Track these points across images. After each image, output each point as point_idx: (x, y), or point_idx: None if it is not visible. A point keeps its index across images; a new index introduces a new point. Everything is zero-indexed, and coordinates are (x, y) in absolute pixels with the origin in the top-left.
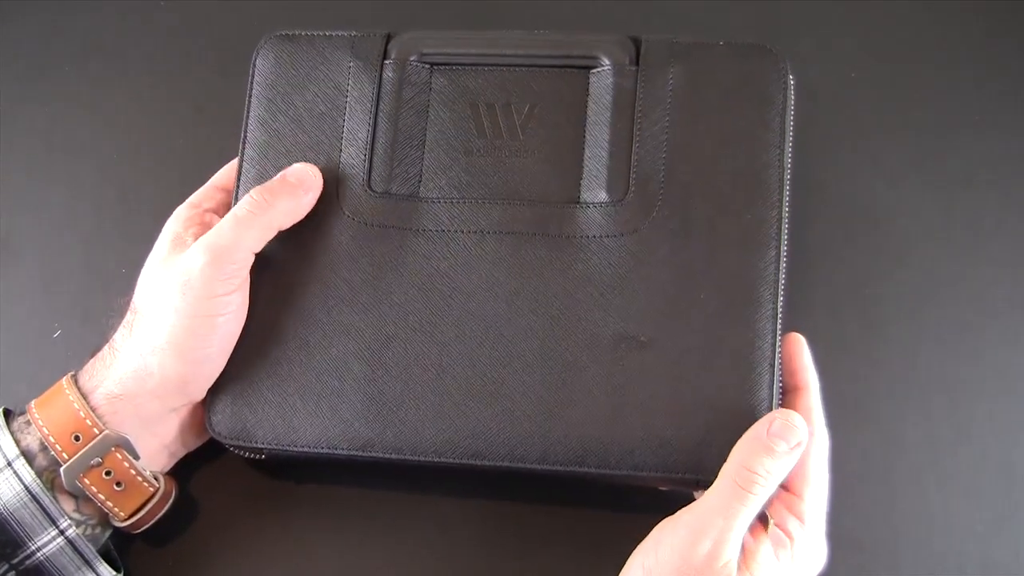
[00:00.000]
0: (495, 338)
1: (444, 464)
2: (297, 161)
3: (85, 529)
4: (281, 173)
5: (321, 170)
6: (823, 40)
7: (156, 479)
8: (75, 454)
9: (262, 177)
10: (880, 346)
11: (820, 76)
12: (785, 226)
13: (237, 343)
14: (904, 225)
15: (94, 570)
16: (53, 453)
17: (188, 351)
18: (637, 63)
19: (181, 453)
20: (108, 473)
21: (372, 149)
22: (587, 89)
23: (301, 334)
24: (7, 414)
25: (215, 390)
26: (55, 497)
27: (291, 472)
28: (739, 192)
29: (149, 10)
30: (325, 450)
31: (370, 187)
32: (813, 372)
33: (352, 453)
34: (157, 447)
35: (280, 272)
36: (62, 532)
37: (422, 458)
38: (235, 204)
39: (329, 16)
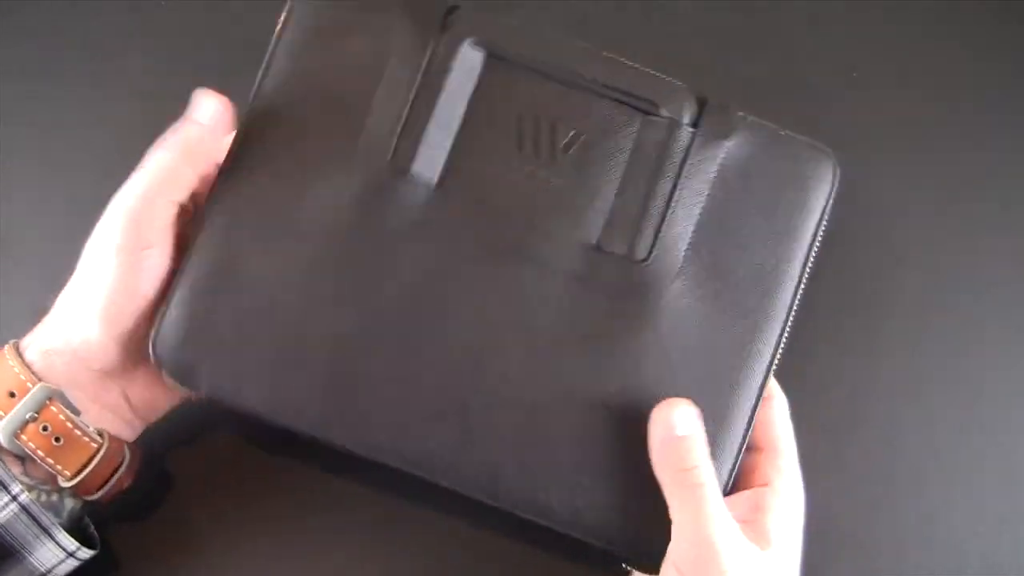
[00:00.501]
0: (471, 360)
1: (386, 465)
2: (320, 109)
3: (39, 495)
4: (189, 113)
5: (343, 126)
6: (824, 40)
7: (100, 435)
8: (10, 410)
9: (276, 113)
10: (880, 346)
11: (821, 76)
12: (787, 333)
13: (207, 277)
14: (907, 225)
15: (53, 539)
16: None
17: (98, 311)
18: (695, 125)
19: (138, 423)
20: (45, 428)
21: (405, 123)
22: (638, 136)
23: (279, 296)
24: None
25: (168, 320)
26: (2, 460)
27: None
28: (755, 290)
29: (149, 10)
30: (266, 416)
31: (392, 159)
32: (788, 435)
33: (294, 427)
34: (98, 409)
35: (274, 218)
36: (14, 497)
37: (367, 455)
38: (246, 119)
39: None
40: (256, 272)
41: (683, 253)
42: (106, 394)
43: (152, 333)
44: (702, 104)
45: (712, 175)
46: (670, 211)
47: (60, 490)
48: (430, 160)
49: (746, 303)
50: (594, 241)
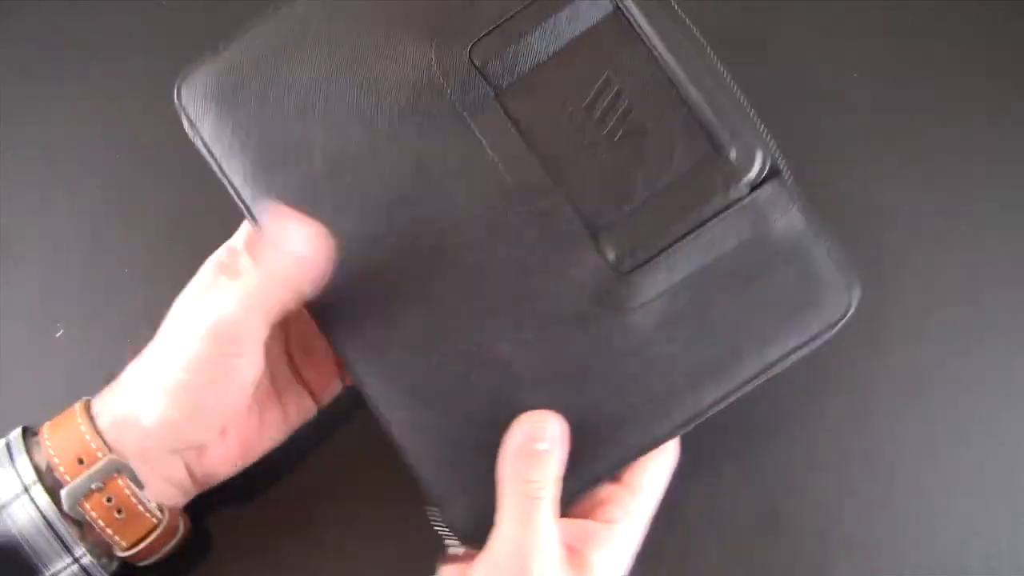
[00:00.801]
0: (437, 275)
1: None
2: None
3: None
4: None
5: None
6: (825, 40)
7: (160, 510)
8: (77, 477)
9: None
10: (882, 346)
11: (821, 76)
12: (701, 422)
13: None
14: (905, 225)
15: None
16: (57, 475)
17: (182, 401)
18: (753, 188)
19: (194, 492)
20: (109, 499)
21: (506, 21)
22: (695, 165)
23: (319, 132)
24: (24, 432)
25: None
26: (63, 522)
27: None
28: (698, 369)
29: (150, 10)
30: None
31: (471, 44)
32: (657, 482)
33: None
34: (160, 483)
35: (327, 50)
36: (76, 560)
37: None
38: None
39: None
40: (298, 78)
41: (662, 289)
42: (172, 469)
43: (456, 531)
44: (774, 172)
45: (735, 241)
46: (676, 246)
47: (111, 555)
48: (511, 65)
49: (682, 371)
50: (595, 230)
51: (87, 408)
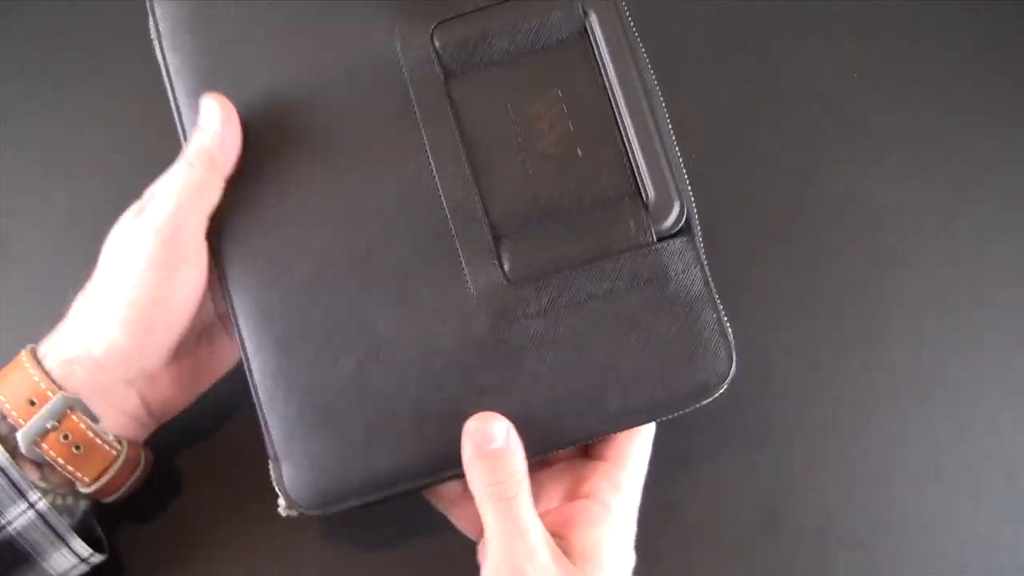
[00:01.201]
0: (352, 249)
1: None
2: None
3: (55, 499)
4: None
5: None
6: (825, 40)
7: (119, 443)
8: (30, 418)
9: None
10: (882, 346)
11: (822, 76)
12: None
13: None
14: (906, 225)
15: (68, 545)
16: (10, 420)
17: (131, 323)
18: (660, 239)
19: (152, 424)
20: (66, 436)
21: (480, 10)
22: (611, 198)
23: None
24: None
25: (286, 464)
26: (20, 467)
27: None
28: (579, 394)
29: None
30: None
31: (435, 25)
32: (642, 454)
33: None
34: (116, 415)
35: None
36: (32, 505)
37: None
38: None
39: None
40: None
41: (542, 308)
42: (125, 400)
43: (282, 491)
44: (686, 229)
45: (629, 283)
46: (569, 271)
47: (76, 493)
48: (460, 55)
49: (544, 395)
50: (498, 231)
51: (33, 353)
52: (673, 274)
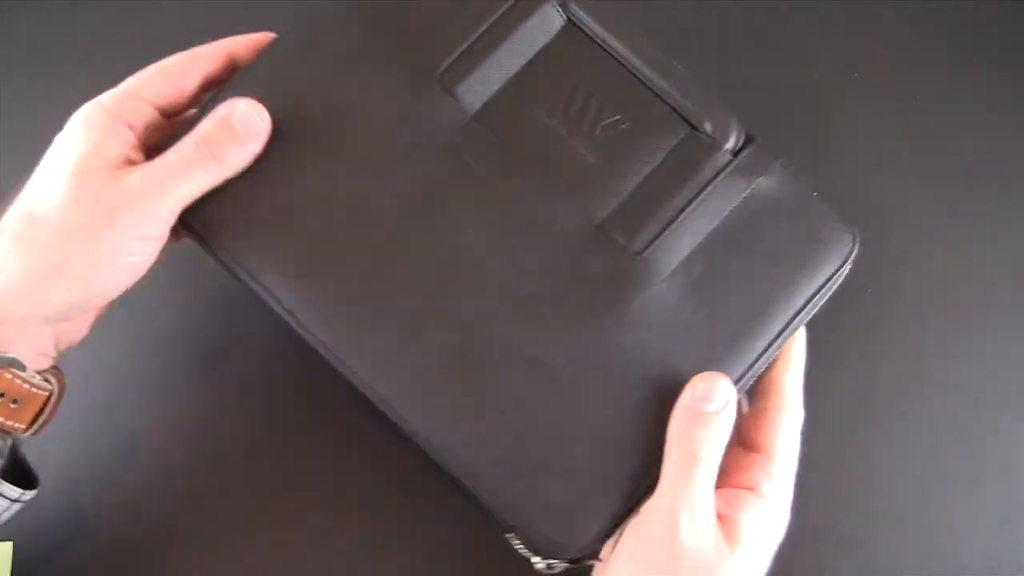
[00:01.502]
0: (453, 287)
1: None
2: (391, 11)
3: None
4: (222, 114)
5: (406, 33)
6: (826, 40)
7: (47, 380)
8: None
9: (349, 8)
10: (882, 346)
11: (823, 76)
12: (762, 367)
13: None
14: (906, 225)
15: None
16: None
17: (83, 282)
18: (735, 154)
19: (54, 353)
20: (2, 395)
21: (469, 47)
22: (678, 143)
23: (293, 159)
24: None
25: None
26: None
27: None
28: (731, 327)
29: (151, 10)
30: (267, 295)
31: (442, 72)
32: (797, 355)
33: (290, 315)
34: (31, 354)
35: (305, 84)
36: None
37: (348, 373)
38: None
39: None
40: (285, 138)
41: (678, 261)
42: (42, 340)
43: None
44: (748, 139)
45: (734, 204)
46: (680, 218)
47: (4, 431)
48: (476, 90)
49: (718, 334)
50: (599, 220)
51: None
52: (760, 179)
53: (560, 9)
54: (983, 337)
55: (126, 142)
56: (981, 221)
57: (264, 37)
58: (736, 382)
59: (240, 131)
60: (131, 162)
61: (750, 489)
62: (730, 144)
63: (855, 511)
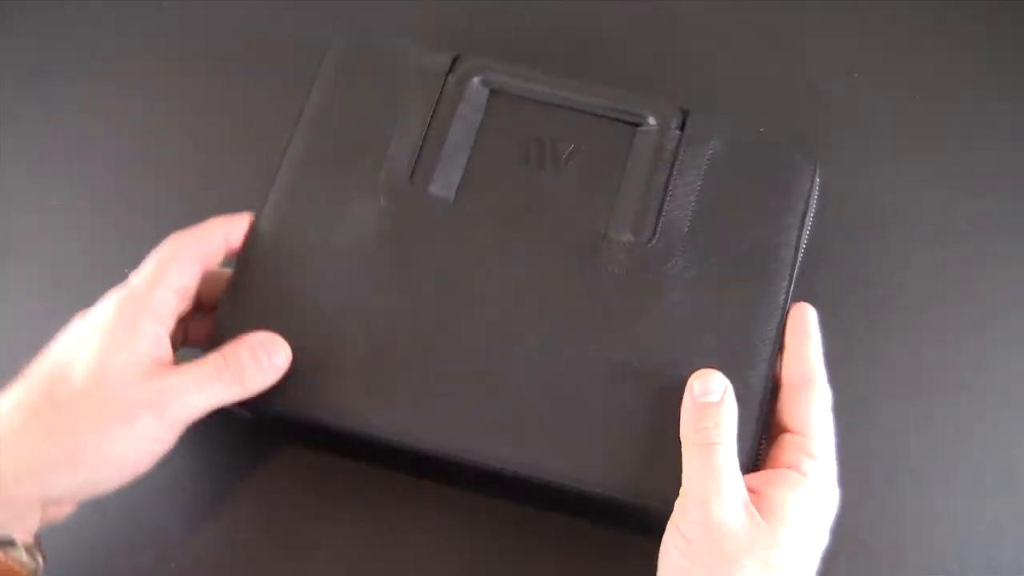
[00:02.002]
0: (504, 344)
1: (433, 453)
2: (346, 144)
3: None
4: (251, 343)
5: (367, 156)
6: (826, 40)
7: (33, 558)
8: None
9: (309, 152)
10: (883, 347)
11: (823, 76)
12: (790, 298)
13: (244, 290)
14: (907, 225)
15: None
16: None
17: (90, 474)
18: (682, 129)
19: (38, 529)
20: None
21: (421, 149)
22: (631, 143)
23: (314, 297)
24: None
25: (217, 341)
26: None
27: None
28: (754, 261)
29: (150, 10)
30: (318, 418)
31: (411, 182)
32: (813, 329)
33: (343, 425)
34: (23, 532)
35: (310, 234)
36: None
37: (414, 443)
38: (283, 159)
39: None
40: (296, 272)
41: (683, 233)
42: (32, 518)
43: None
44: (685, 113)
45: (703, 168)
46: (667, 199)
47: None
48: (445, 181)
49: (750, 270)
50: (603, 232)
51: None
52: (712, 143)
53: (481, 84)
54: (986, 337)
55: (157, 339)
56: (983, 221)
57: (247, 217)
58: (787, 295)
59: (265, 363)
60: (160, 361)
61: (791, 468)
62: (674, 124)
63: (858, 511)
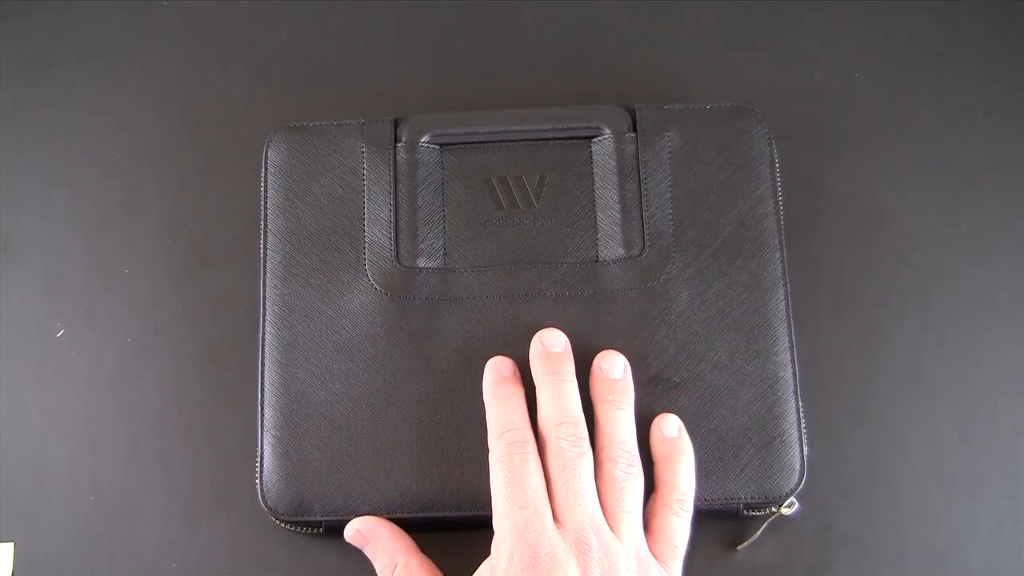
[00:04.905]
0: (533, 390)
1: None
2: (321, 244)
3: None
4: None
5: (347, 250)
6: (826, 40)
7: None
8: None
9: (288, 263)
10: (883, 346)
11: (823, 76)
12: (787, 266)
13: (284, 420)
14: (907, 225)
15: None
16: None
17: None
18: (635, 130)
19: None
20: None
21: (396, 227)
22: (591, 157)
23: (349, 409)
24: None
25: (267, 470)
26: None
27: None
28: (744, 240)
29: (151, 9)
30: (385, 515)
31: (399, 262)
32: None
33: (411, 515)
34: None
35: (318, 352)
36: None
37: (481, 512)
38: (264, 280)
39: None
40: (321, 394)
41: (670, 234)
42: None
43: (258, 487)
44: (632, 112)
45: (667, 163)
46: (644, 205)
47: None
48: (430, 251)
49: (742, 250)
50: (593, 255)
51: None
52: (668, 136)
53: (431, 143)
54: (985, 337)
55: None
56: (982, 220)
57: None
58: (783, 263)
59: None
60: None
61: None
62: (626, 127)
63: (858, 511)
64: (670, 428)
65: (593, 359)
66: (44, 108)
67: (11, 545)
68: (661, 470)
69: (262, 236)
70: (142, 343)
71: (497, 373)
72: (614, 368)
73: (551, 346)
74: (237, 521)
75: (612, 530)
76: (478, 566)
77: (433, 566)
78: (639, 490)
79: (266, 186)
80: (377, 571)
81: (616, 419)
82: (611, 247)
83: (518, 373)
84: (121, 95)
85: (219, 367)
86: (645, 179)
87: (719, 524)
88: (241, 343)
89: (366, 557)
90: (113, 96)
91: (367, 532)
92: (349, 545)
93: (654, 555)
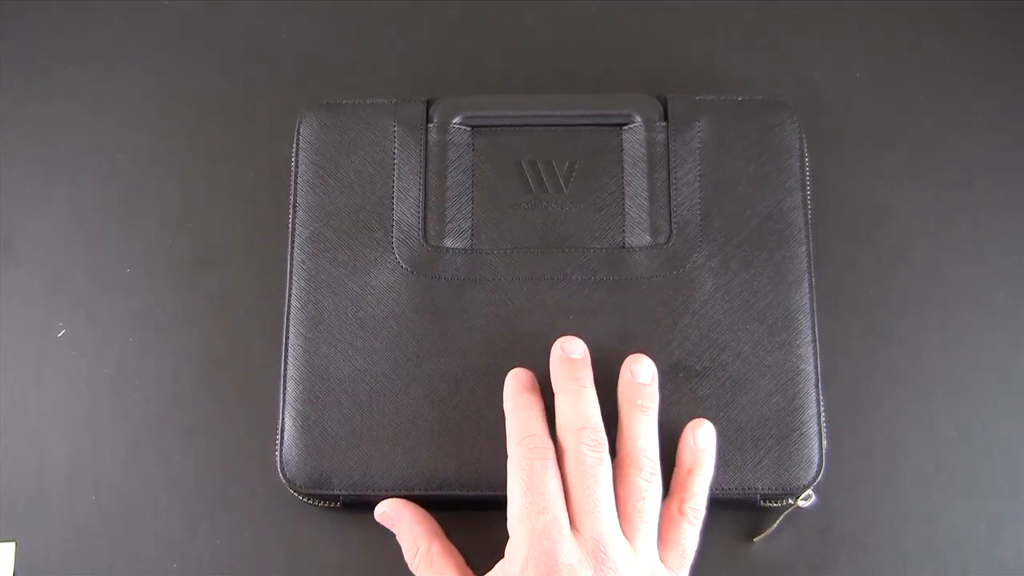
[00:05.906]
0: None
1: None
2: (350, 220)
3: None
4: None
5: (375, 227)
6: (826, 40)
7: None
8: None
9: (315, 238)
10: (883, 346)
11: (823, 76)
12: (813, 260)
13: (306, 393)
14: (907, 225)
15: None
16: None
17: None
18: (666, 119)
19: None
20: None
21: (425, 207)
22: (621, 144)
23: (371, 385)
24: None
25: (288, 442)
26: None
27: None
28: (771, 232)
29: (152, 9)
30: (402, 492)
31: (426, 242)
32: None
33: (429, 492)
34: None
35: (342, 327)
36: None
37: (498, 492)
38: (292, 254)
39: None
40: (344, 369)
41: (697, 223)
42: None
43: (277, 460)
44: (664, 102)
45: (697, 153)
46: (673, 193)
47: None
48: (457, 231)
49: (768, 242)
50: (620, 241)
51: None
52: (699, 125)
53: (462, 124)
54: (985, 337)
55: None
56: (983, 221)
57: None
58: (809, 256)
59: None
60: None
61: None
62: (657, 116)
63: (858, 511)
64: (704, 439)
65: (617, 349)
66: (44, 108)
67: (12, 545)
68: (683, 476)
69: (291, 211)
70: (143, 343)
71: (517, 382)
72: (643, 372)
73: (571, 352)
74: (238, 520)
75: (628, 539)
76: (495, 547)
77: (454, 550)
78: (659, 500)
79: (297, 161)
80: (404, 553)
81: (642, 426)
82: (638, 234)
83: (537, 386)
84: (121, 95)
85: (219, 367)
86: (674, 168)
87: (737, 514)
88: (242, 343)
89: (381, 535)
90: (113, 96)
91: (393, 514)
92: (365, 522)
93: (665, 563)
